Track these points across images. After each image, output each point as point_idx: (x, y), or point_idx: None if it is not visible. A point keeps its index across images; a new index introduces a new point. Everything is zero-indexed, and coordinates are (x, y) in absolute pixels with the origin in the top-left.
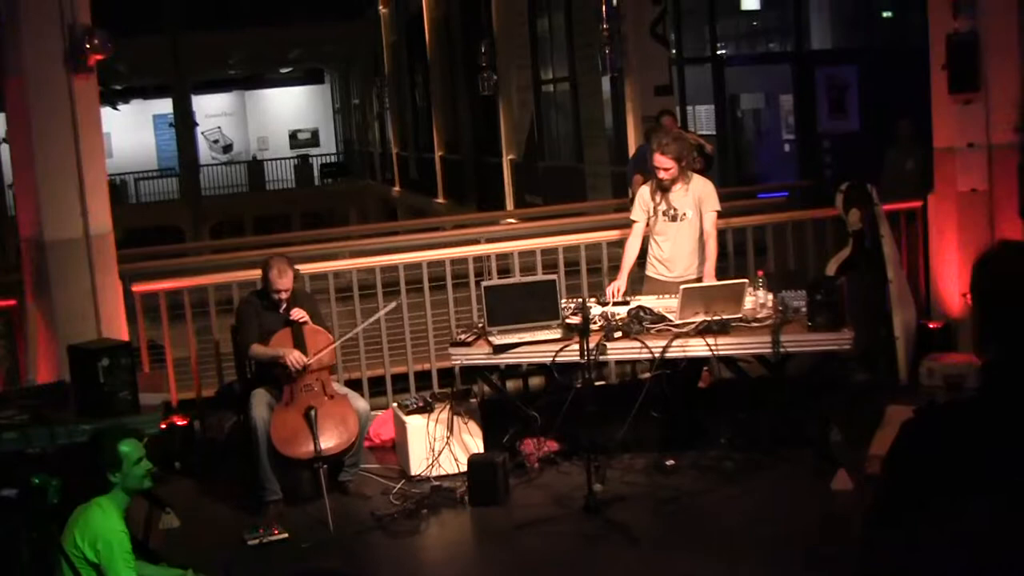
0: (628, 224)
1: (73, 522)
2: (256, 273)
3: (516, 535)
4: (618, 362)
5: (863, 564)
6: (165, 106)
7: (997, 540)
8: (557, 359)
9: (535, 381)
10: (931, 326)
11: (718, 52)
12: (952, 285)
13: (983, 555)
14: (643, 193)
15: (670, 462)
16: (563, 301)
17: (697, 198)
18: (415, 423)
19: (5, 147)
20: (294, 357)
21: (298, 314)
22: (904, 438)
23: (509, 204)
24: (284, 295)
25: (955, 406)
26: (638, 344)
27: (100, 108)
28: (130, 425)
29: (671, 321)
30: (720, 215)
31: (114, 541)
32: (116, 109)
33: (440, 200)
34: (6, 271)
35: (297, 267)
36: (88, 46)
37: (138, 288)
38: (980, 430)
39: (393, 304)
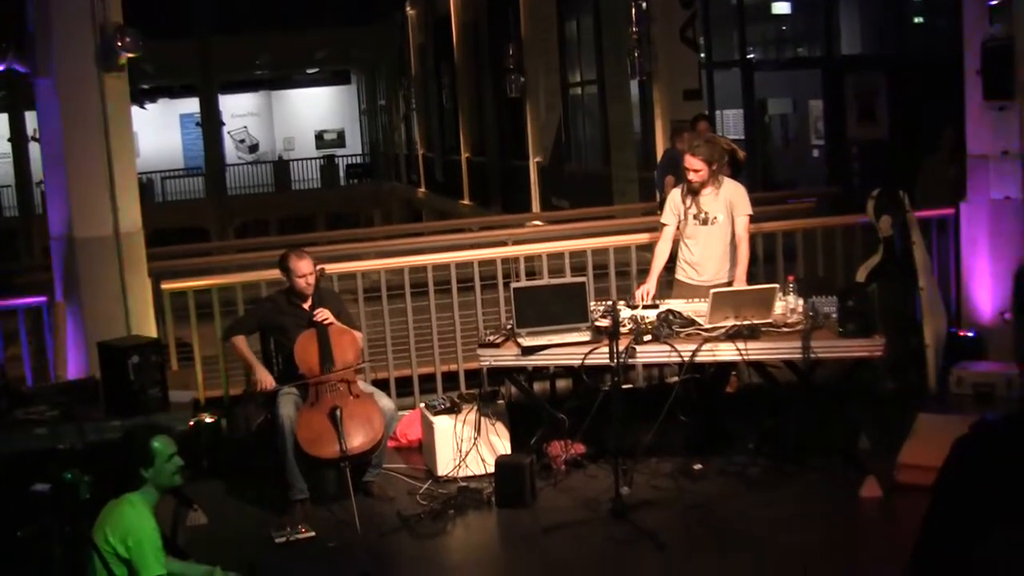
0: (657, 228)
1: (104, 518)
2: None
3: (542, 538)
4: (646, 366)
5: None
6: (192, 105)
7: None
8: (586, 361)
9: (562, 384)
10: (961, 334)
11: (747, 56)
12: (983, 294)
13: None
14: (674, 196)
15: (697, 467)
16: (592, 304)
17: (728, 202)
18: (442, 424)
19: (34, 145)
20: (263, 379)
21: (323, 315)
22: (960, 457)
23: (535, 207)
24: (309, 279)
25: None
26: (667, 348)
27: (131, 107)
28: (159, 422)
29: (700, 325)
30: (752, 220)
31: (144, 537)
32: (143, 108)
33: (465, 202)
34: (33, 269)
35: (325, 267)
36: (119, 44)
37: (167, 286)
38: None
39: (365, 364)
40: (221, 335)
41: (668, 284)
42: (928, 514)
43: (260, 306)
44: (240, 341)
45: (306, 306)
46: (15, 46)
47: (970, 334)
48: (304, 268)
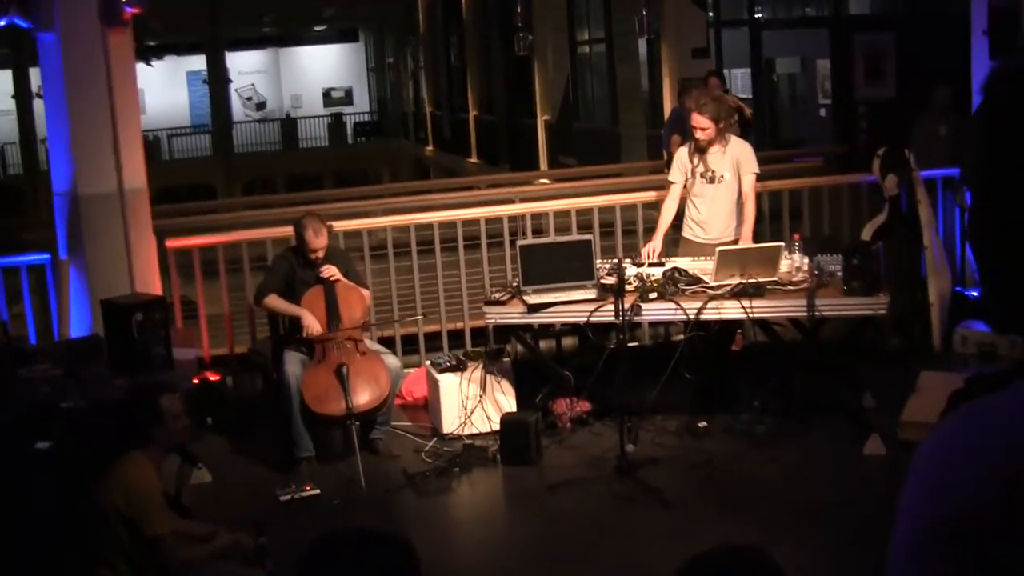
0: (664, 186)
1: (108, 476)
2: (290, 231)
3: (547, 495)
4: (651, 323)
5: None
6: (199, 63)
7: None
8: (592, 319)
9: (568, 342)
10: (966, 293)
11: (755, 15)
12: None
13: None
14: (681, 154)
15: (702, 424)
16: (598, 262)
17: (735, 160)
18: (448, 381)
19: (39, 102)
20: (310, 324)
21: (329, 271)
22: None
23: (543, 165)
24: (320, 254)
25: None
26: (673, 305)
27: (135, 63)
28: (164, 380)
29: (706, 283)
30: (758, 178)
31: (148, 497)
32: (150, 65)
33: (473, 160)
34: (38, 226)
35: (331, 223)
36: (123, 0)
37: (172, 244)
38: None
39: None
40: (253, 300)
41: (674, 242)
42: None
43: (279, 263)
44: (272, 299)
45: (315, 266)
46: (17, 1)
47: (975, 293)
48: (318, 244)
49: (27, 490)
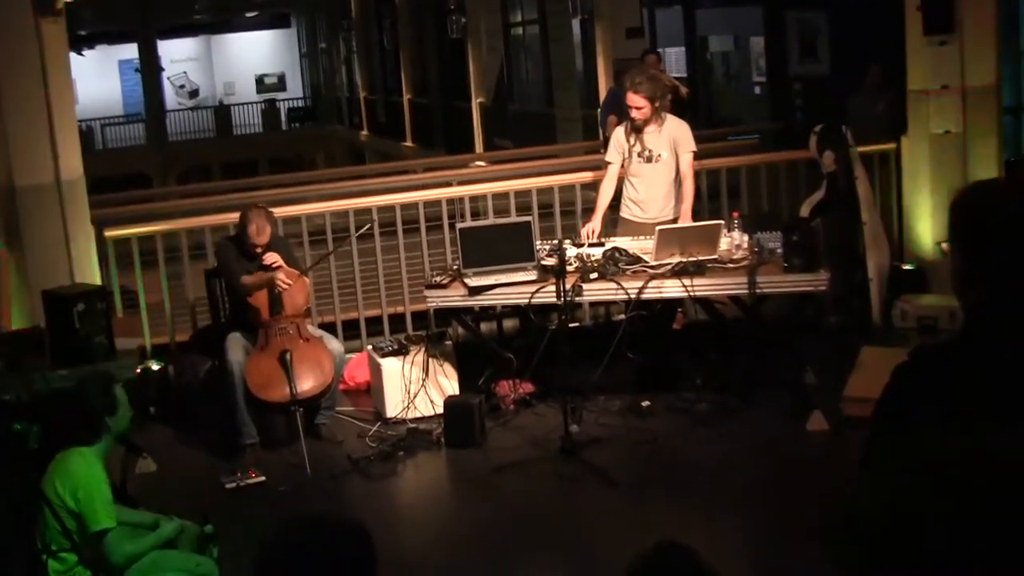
0: (601, 167)
1: (53, 470)
2: (229, 218)
3: (493, 477)
4: (592, 304)
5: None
6: (131, 51)
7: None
8: (533, 300)
9: (509, 323)
10: (904, 268)
11: None
12: (925, 227)
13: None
14: (618, 134)
15: (645, 404)
16: (538, 243)
17: (672, 139)
18: (390, 366)
19: None
20: (281, 276)
21: (271, 258)
22: (900, 381)
23: (479, 148)
24: (260, 249)
25: (948, 348)
26: (614, 285)
27: (69, 53)
28: (107, 370)
29: (647, 262)
30: (695, 157)
31: (95, 490)
32: (81, 55)
33: (408, 144)
34: None
35: (271, 210)
36: None
37: (111, 233)
38: (980, 369)
39: (368, 226)
40: (240, 295)
41: (613, 223)
42: (870, 434)
43: (225, 251)
44: (246, 278)
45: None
46: None
47: (912, 267)
48: (259, 240)
49: None
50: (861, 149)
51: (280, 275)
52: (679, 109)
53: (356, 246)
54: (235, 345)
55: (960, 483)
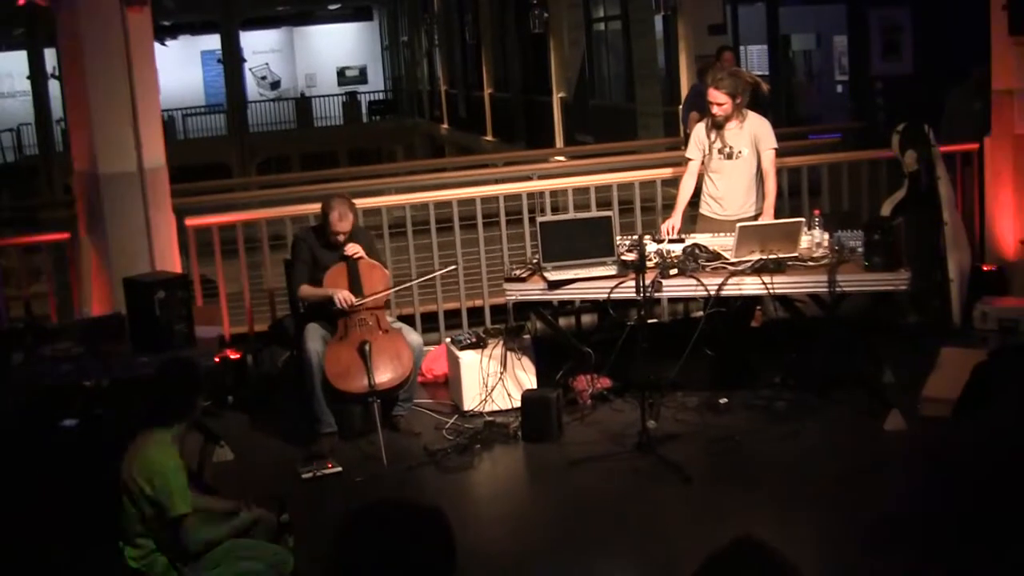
0: (681, 163)
1: (131, 455)
2: (309, 208)
3: (569, 471)
4: (671, 300)
5: None
6: (213, 42)
7: None
8: (612, 296)
9: (587, 318)
10: (985, 269)
11: None
12: (1007, 228)
13: None
14: (699, 131)
15: (723, 400)
16: (618, 238)
17: (753, 136)
18: (468, 358)
19: (54, 83)
20: (342, 295)
21: (352, 249)
22: (980, 379)
23: (559, 143)
24: (342, 238)
25: None
26: (693, 281)
27: (153, 42)
28: (189, 356)
29: (726, 259)
30: (776, 154)
31: (171, 476)
32: (164, 45)
33: (488, 138)
34: (54, 206)
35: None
36: None
37: (191, 222)
38: None
39: (452, 267)
40: (294, 298)
41: (692, 219)
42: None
43: (299, 250)
44: (305, 289)
45: (336, 248)
46: None
47: (993, 269)
48: (341, 227)
49: (53, 468)
50: (944, 149)
51: (341, 294)
52: (759, 107)
53: (436, 239)
54: (314, 335)
55: None
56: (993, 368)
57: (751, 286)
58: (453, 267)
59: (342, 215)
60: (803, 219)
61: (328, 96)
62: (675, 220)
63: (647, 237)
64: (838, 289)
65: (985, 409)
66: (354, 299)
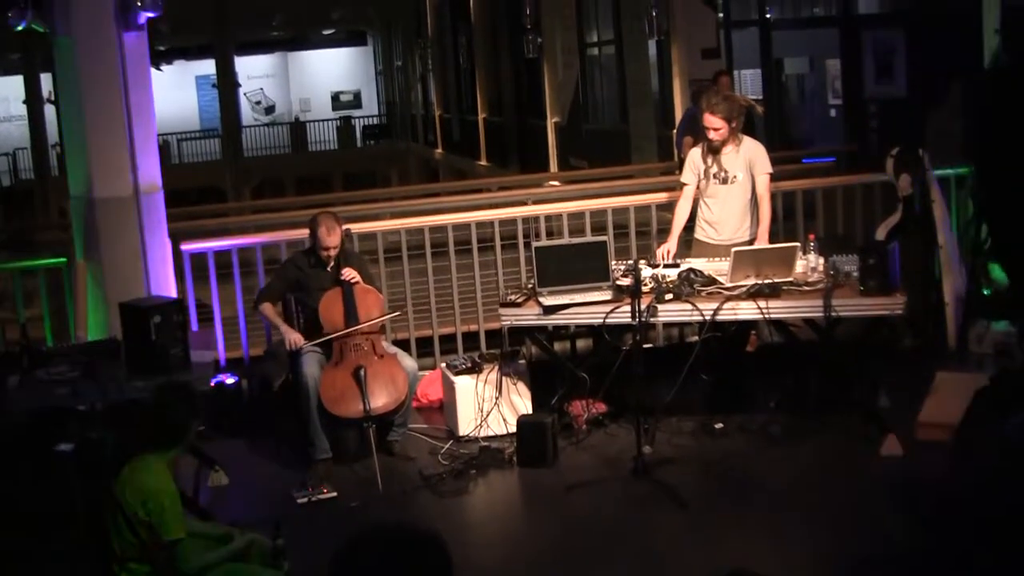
0: (676, 187)
1: (125, 479)
2: (303, 233)
3: (564, 496)
4: (666, 325)
5: None
6: (208, 67)
7: None
8: (607, 320)
9: (582, 343)
10: (981, 292)
11: (765, 15)
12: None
13: None
14: (694, 155)
15: (718, 425)
16: (613, 263)
17: (748, 160)
18: (464, 383)
19: (50, 107)
20: (293, 338)
21: (349, 274)
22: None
23: (553, 167)
24: (332, 252)
25: None
26: (689, 306)
27: (150, 67)
28: (186, 380)
29: (722, 284)
30: (771, 178)
31: (164, 500)
32: (159, 70)
33: (482, 162)
34: (49, 229)
35: (348, 227)
36: (138, 3)
37: (187, 247)
38: None
39: (397, 313)
40: (252, 305)
41: (687, 244)
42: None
43: (284, 271)
44: (267, 308)
45: (328, 267)
46: (34, 4)
47: (988, 292)
48: (331, 241)
49: (48, 491)
50: (938, 172)
51: (292, 337)
52: (753, 130)
53: (431, 263)
54: (310, 359)
55: None
56: (996, 392)
57: (746, 311)
58: (397, 313)
59: (330, 229)
60: (798, 243)
61: (322, 120)
62: (670, 245)
63: (642, 262)
64: (833, 314)
65: (987, 433)
66: (303, 343)
